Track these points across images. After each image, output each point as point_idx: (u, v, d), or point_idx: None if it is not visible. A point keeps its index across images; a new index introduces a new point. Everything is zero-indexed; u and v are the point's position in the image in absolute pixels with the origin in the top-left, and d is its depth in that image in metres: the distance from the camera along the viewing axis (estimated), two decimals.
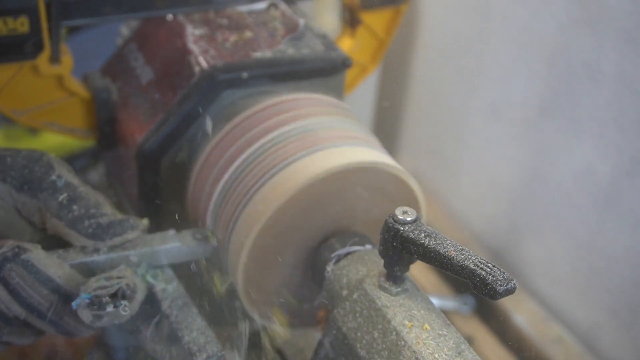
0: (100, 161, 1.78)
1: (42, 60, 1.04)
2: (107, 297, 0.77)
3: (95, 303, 0.77)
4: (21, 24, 0.99)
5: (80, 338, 0.88)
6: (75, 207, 0.83)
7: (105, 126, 1.14)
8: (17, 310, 0.78)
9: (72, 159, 1.82)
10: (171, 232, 0.90)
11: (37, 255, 0.78)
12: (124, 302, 0.78)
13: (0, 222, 0.83)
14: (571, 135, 1.31)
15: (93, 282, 0.78)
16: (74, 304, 0.77)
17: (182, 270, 0.91)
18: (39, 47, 1.02)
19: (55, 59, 1.05)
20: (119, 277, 0.79)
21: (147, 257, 0.87)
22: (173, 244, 0.89)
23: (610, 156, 1.25)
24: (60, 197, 0.83)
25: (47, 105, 1.11)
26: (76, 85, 1.11)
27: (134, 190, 1.09)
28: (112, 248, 0.85)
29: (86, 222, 0.83)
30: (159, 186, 1.07)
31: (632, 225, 1.24)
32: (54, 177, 0.84)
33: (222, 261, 0.98)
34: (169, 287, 0.88)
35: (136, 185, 1.08)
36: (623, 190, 1.24)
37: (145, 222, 0.88)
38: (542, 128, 1.37)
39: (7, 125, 1.74)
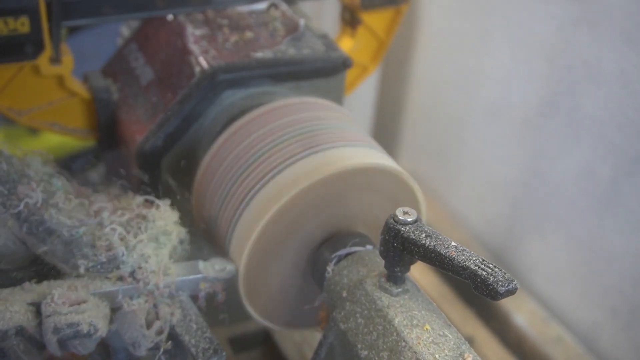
0: (100, 161, 1.78)
1: (43, 60, 1.04)
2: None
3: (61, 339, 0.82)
4: (22, 24, 0.99)
5: None
6: (74, 250, 0.86)
7: (105, 126, 1.14)
8: None
9: (72, 159, 1.82)
10: (199, 263, 0.91)
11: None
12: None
13: (2, 246, 0.88)
14: (571, 135, 1.31)
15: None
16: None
17: None
18: (39, 47, 1.02)
19: (55, 59, 1.05)
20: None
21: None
22: (196, 275, 0.90)
23: (610, 156, 1.25)
24: (61, 244, 0.86)
25: (48, 105, 1.11)
26: (77, 85, 1.11)
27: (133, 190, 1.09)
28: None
29: (83, 263, 0.87)
30: (159, 186, 1.07)
31: (631, 225, 1.24)
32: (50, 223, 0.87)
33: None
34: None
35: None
36: (623, 190, 1.24)
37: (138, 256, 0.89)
38: (542, 128, 1.37)
39: (7, 125, 1.74)
